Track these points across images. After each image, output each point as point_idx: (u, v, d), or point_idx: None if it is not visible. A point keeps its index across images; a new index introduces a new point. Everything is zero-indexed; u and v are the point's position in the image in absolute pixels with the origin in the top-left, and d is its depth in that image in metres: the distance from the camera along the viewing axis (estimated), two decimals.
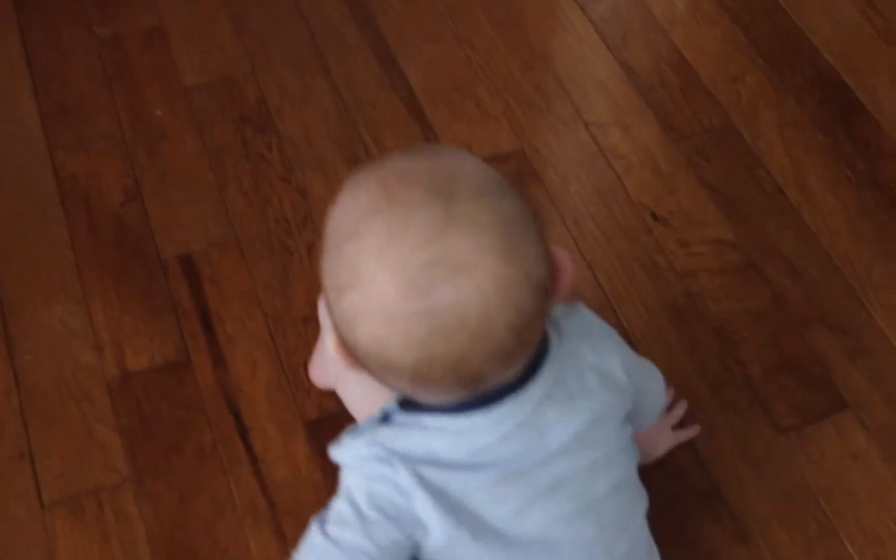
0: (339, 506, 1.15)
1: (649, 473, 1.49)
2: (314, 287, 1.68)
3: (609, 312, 1.67)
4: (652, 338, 1.65)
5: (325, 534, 1.14)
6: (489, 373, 1.05)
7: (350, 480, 1.15)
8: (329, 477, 1.50)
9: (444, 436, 1.11)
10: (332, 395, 1.55)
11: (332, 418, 1.54)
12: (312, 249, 1.72)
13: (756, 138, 1.90)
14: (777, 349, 1.66)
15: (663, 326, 1.67)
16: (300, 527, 1.43)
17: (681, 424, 1.56)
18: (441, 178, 1.02)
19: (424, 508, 1.11)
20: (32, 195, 1.80)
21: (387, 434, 1.13)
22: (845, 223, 1.81)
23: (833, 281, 1.74)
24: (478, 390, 1.07)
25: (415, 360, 1.02)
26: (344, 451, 1.16)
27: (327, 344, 1.10)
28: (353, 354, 1.07)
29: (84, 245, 1.74)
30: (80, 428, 1.55)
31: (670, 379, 1.60)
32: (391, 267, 1.00)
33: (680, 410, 1.56)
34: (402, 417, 1.14)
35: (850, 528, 1.50)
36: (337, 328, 1.07)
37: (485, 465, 1.11)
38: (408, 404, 1.13)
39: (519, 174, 1.84)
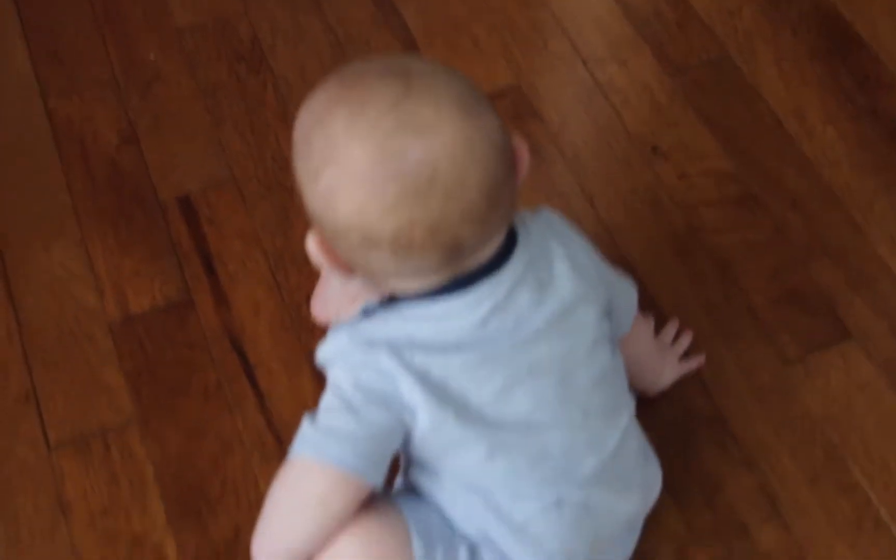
0: (327, 398, 1.18)
1: (656, 404, 1.49)
2: None
3: (611, 246, 1.66)
4: (654, 270, 1.65)
5: (314, 425, 1.16)
6: (468, 238, 1.10)
7: (336, 374, 1.17)
8: None
9: (424, 322, 1.15)
10: None
11: None
12: None
13: (754, 71, 1.89)
14: (779, 280, 1.66)
15: (665, 259, 1.67)
16: None
17: (686, 355, 1.56)
18: (395, 66, 1.11)
19: (409, 390, 1.14)
20: (26, 141, 1.78)
21: (367, 324, 1.17)
22: (845, 155, 1.80)
23: (834, 212, 1.74)
24: (458, 266, 1.12)
25: (394, 227, 1.07)
26: (327, 347, 1.19)
27: (308, 246, 1.15)
28: (335, 251, 1.13)
29: (81, 189, 1.72)
30: (84, 370, 1.54)
31: (674, 311, 1.61)
32: (360, 136, 1.06)
33: (685, 341, 1.56)
34: (381, 311, 1.18)
35: (857, 456, 1.50)
36: (318, 222, 1.12)
37: (464, 347, 1.15)
38: (387, 301, 1.18)
39: (516, 111, 1.83)
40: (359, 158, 1.06)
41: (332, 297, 1.54)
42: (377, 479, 1.17)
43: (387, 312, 1.17)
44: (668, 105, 1.85)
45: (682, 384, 1.53)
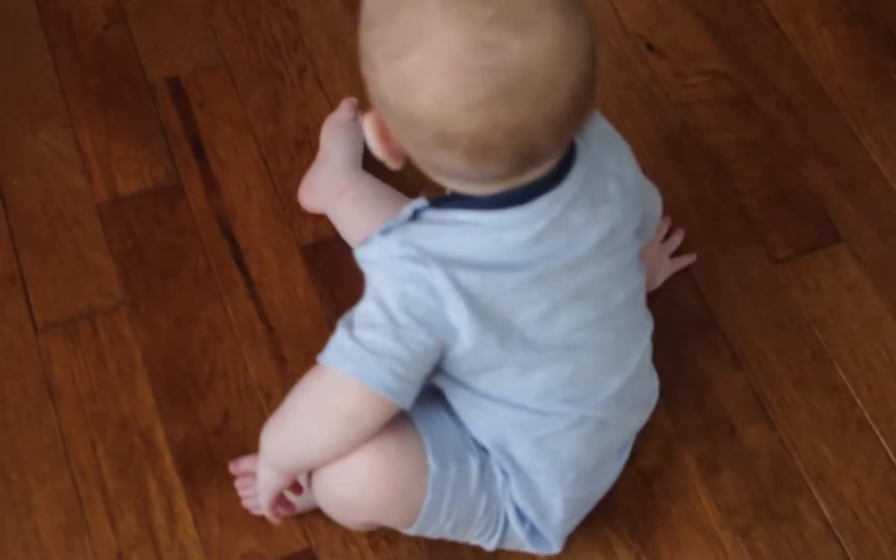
0: (368, 306, 1.12)
1: (648, 302, 1.49)
2: (306, 111, 1.66)
3: None
4: (648, 167, 1.62)
5: (353, 337, 1.11)
6: (545, 146, 1.04)
7: (380, 280, 1.11)
8: (326, 301, 1.50)
9: (479, 232, 1.10)
10: (328, 221, 1.54)
11: (329, 243, 1.53)
12: (304, 74, 1.70)
13: None
14: (772, 181, 1.66)
15: (659, 156, 1.66)
16: (299, 350, 1.45)
17: (677, 253, 1.56)
18: None
19: (457, 312, 1.09)
20: (11, 17, 1.75)
21: (420, 232, 1.11)
22: (839, 58, 1.79)
23: (827, 115, 1.73)
24: (524, 176, 1.07)
25: (477, 124, 0.99)
26: (373, 249, 1.12)
27: (365, 129, 1.08)
28: (395, 140, 1.06)
29: (68, 69, 1.70)
30: (72, 252, 1.53)
31: (667, 209, 1.59)
32: (456, 22, 0.97)
33: (677, 239, 1.56)
34: (433, 213, 1.12)
35: (843, 358, 1.51)
36: (385, 106, 1.04)
37: (519, 265, 1.11)
38: (439, 201, 1.12)
39: None
40: (453, 45, 0.98)
41: (321, 187, 1.54)
42: (410, 402, 1.14)
43: (440, 217, 1.11)
44: (664, 3, 1.83)
45: (673, 283, 1.54)
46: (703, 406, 1.45)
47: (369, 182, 1.53)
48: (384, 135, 1.07)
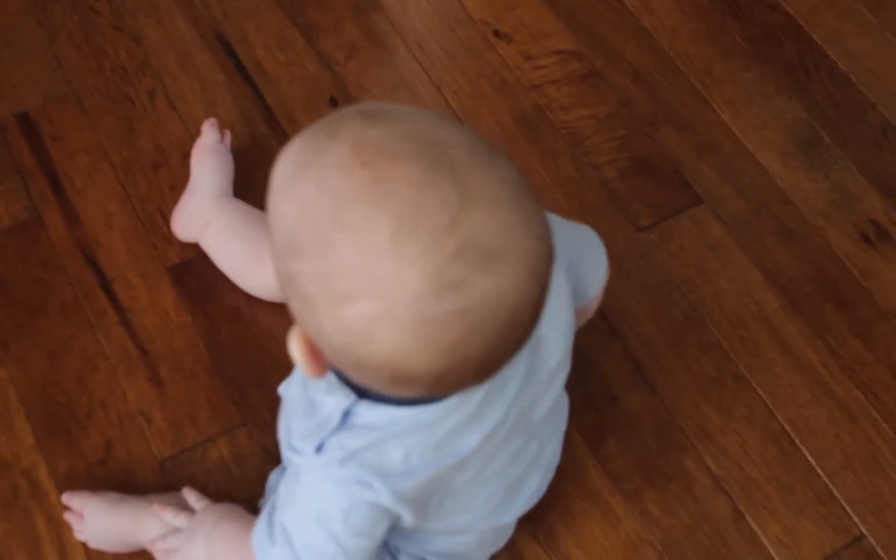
0: (311, 533, 1.06)
1: None
2: (160, 133, 1.64)
3: None
4: (507, 152, 1.64)
5: (294, 550, 1.07)
6: (507, 362, 0.94)
7: (318, 495, 1.05)
8: (199, 319, 1.48)
9: (422, 431, 1.03)
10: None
11: (195, 262, 1.52)
12: (154, 96, 1.68)
13: None
14: (628, 151, 1.68)
15: (516, 139, 1.68)
16: (175, 372, 1.45)
17: None
18: (427, 145, 0.87)
19: (403, 512, 1.07)
20: None
21: (358, 441, 1.02)
22: (683, 24, 1.83)
23: (675, 81, 1.77)
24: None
25: (443, 367, 0.88)
26: (312, 468, 1.04)
27: (291, 346, 0.94)
28: (325, 357, 0.94)
29: None
30: None
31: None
32: (414, 262, 0.84)
33: None
34: (366, 414, 1.02)
35: (714, 315, 1.54)
36: (320, 339, 0.91)
37: (465, 452, 1.07)
38: (367, 395, 1.02)
39: (356, 3, 1.81)
40: (410, 292, 0.84)
41: (188, 217, 1.52)
42: None
43: (375, 419, 1.02)
44: None
45: None
46: (584, 380, 1.47)
47: (237, 210, 1.50)
48: (314, 354, 0.94)
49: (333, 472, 1.02)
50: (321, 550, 1.07)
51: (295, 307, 0.91)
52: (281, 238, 0.90)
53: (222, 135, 1.56)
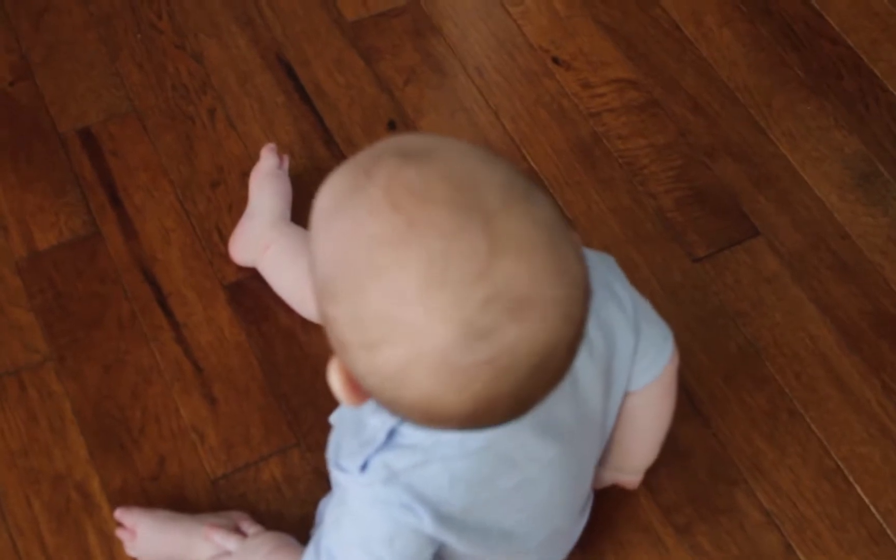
0: (355, 558, 1.06)
1: None
2: (219, 152, 1.66)
3: (518, 159, 1.67)
4: (563, 180, 1.66)
5: None
6: (542, 399, 0.94)
7: (361, 520, 1.05)
8: (254, 338, 1.49)
9: (468, 460, 1.03)
10: None
11: (251, 281, 1.53)
12: (214, 115, 1.69)
13: None
14: (685, 181, 1.68)
15: (573, 167, 1.68)
16: (229, 389, 1.45)
17: None
18: (460, 188, 0.86)
19: (448, 539, 1.06)
20: None
21: (402, 462, 1.02)
22: (742, 55, 1.83)
23: (734, 112, 1.76)
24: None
25: (473, 409, 0.88)
26: (356, 485, 1.04)
27: (330, 378, 0.95)
28: (365, 390, 0.94)
29: None
30: None
31: (584, 218, 1.62)
32: (443, 312, 0.84)
33: None
34: (413, 434, 1.02)
35: (769, 349, 1.53)
36: (357, 375, 0.92)
37: (507, 472, 1.07)
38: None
39: (416, 28, 1.82)
40: (439, 342, 0.84)
41: (246, 242, 1.53)
42: None
43: (421, 439, 1.02)
44: (566, 15, 1.85)
45: None
46: None
47: (295, 235, 1.51)
48: (352, 385, 0.94)
49: (377, 491, 1.03)
50: None
51: (336, 346, 0.92)
52: (318, 278, 0.91)
53: (281, 159, 1.57)
